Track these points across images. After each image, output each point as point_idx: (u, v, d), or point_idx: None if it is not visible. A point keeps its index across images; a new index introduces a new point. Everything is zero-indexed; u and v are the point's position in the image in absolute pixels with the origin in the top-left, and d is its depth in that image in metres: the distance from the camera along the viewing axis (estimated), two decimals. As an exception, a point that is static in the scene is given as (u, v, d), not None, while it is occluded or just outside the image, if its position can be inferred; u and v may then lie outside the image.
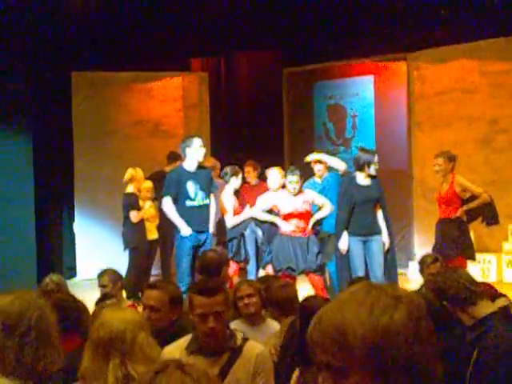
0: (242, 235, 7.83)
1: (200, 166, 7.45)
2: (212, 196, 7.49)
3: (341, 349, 1.26)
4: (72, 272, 10.48)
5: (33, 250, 9.01)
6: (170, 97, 11.32)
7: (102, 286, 5.80)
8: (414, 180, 10.39)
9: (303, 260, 7.25)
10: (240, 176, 8.17)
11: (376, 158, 7.33)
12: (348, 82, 11.35)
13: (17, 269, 8.52)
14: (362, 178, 7.35)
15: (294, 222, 7.40)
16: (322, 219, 7.63)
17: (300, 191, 7.49)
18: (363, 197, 7.28)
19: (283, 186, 7.63)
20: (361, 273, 7.04)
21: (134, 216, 8.59)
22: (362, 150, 7.58)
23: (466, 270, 6.14)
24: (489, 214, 7.52)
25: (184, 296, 6.83)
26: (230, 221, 7.83)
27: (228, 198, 7.94)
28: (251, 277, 7.65)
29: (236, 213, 7.88)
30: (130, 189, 8.72)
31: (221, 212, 7.92)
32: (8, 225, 8.63)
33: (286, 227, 7.38)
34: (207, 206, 7.36)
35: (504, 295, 4.30)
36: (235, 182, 8.07)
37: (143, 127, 11.13)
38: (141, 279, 8.81)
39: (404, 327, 1.26)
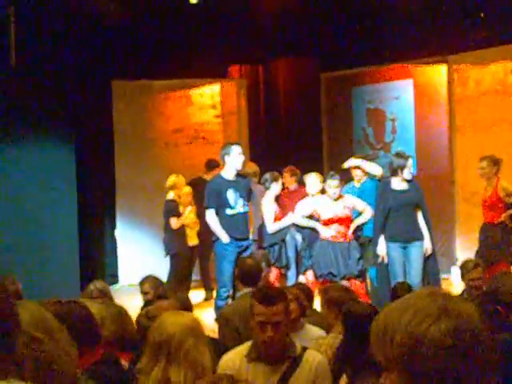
0: (283, 241, 7.82)
1: (239, 174, 7.47)
2: (251, 203, 7.51)
3: (384, 348, 1.34)
4: (114, 278, 10.58)
5: (76, 257, 9.11)
6: (208, 104, 11.38)
7: (143, 292, 5.86)
8: (456, 184, 10.25)
9: (344, 265, 7.22)
10: (280, 182, 8.16)
11: (410, 163, 7.25)
12: (387, 85, 11.27)
13: (60, 276, 8.62)
14: (397, 183, 7.26)
15: (335, 227, 7.37)
16: (363, 224, 7.59)
17: (340, 196, 7.46)
18: (398, 202, 7.19)
19: (322, 191, 7.61)
20: (400, 279, 6.95)
21: (175, 223, 8.65)
22: (396, 154, 7.54)
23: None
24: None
25: (226, 302, 6.95)
26: (271, 226, 7.83)
27: (269, 203, 7.95)
28: (291, 283, 7.64)
29: (277, 218, 7.88)
30: (171, 195, 8.80)
31: (261, 218, 7.93)
32: (51, 233, 8.75)
33: (327, 233, 7.35)
34: (247, 214, 7.38)
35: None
36: (275, 188, 8.06)
37: (183, 134, 11.20)
38: (182, 285, 8.88)
39: (438, 339, 1.28)
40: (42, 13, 8.72)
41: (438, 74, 10.64)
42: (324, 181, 7.64)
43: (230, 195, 7.29)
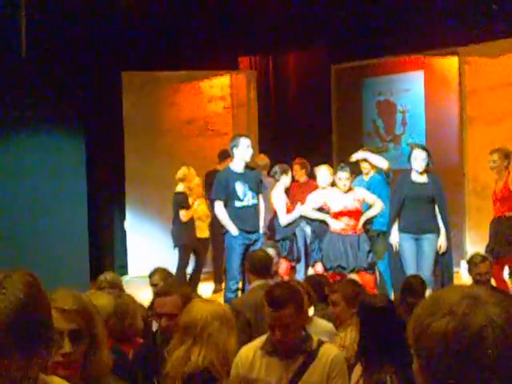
0: (294, 234, 7.80)
1: (248, 167, 7.45)
2: (261, 196, 7.49)
3: (408, 335, 1.41)
4: (124, 270, 10.61)
5: (85, 248, 9.14)
6: (218, 95, 11.36)
7: (153, 284, 5.88)
8: (466, 177, 10.19)
9: (354, 258, 7.20)
10: (290, 174, 8.14)
11: (420, 155, 7.16)
12: (398, 77, 11.20)
13: (70, 267, 8.65)
14: (416, 175, 7.23)
15: (345, 219, 7.35)
16: (373, 217, 7.57)
17: (350, 189, 7.44)
18: (414, 193, 7.16)
19: (332, 184, 7.59)
20: (412, 271, 6.93)
21: (183, 215, 8.65)
22: (413, 145, 7.47)
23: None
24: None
25: (235, 295, 6.95)
26: (283, 219, 7.80)
27: (279, 196, 7.92)
28: (300, 275, 7.64)
29: (288, 211, 7.85)
30: (180, 187, 8.79)
31: (272, 211, 7.91)
32: (61, 224, 8.77)
33: (336, 225, 7.34)
34: (256, 206, 7.37)
35: None
36: (285, 180, 8.04)
37: (193, 126, 11.19)
38: (192, 277, 8.91)
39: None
40: (52, 4, 8.72)
41: (449, 65, 10.57)
42: (334, 173, 7.62)
43: (239, 187, 7.27)
